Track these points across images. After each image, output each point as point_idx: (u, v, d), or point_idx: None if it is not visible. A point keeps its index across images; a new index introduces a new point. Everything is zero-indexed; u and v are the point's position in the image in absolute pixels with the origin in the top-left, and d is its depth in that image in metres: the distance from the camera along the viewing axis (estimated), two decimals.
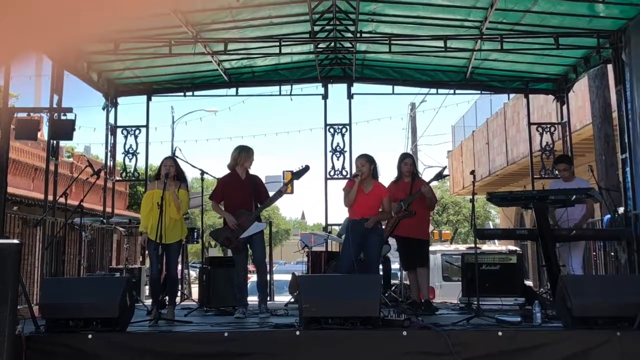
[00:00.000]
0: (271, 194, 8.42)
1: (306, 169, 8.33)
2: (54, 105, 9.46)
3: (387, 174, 22.93)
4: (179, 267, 13.57)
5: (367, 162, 8.04)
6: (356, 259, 7.83)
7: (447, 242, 29.08)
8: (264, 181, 8.72)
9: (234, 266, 8.32)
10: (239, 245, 8.05)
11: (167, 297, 8.12)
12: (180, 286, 10.64)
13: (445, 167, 9.49)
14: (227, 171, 8.36)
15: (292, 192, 8.48)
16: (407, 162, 8.88)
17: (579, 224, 8.32)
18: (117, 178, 12.76)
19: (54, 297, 6.30)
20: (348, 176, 11.32)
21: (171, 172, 7.82)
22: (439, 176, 9.12)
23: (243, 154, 8.27)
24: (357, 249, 7.91)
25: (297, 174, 8.32)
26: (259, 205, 8.22)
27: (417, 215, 8.59)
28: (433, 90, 13.11)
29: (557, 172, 9.15)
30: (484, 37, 9.74)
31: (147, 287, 10.54)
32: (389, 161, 14.69)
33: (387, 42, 10.29)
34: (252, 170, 8.41)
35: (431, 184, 8.86)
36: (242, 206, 8.11)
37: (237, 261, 8.17)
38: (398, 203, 8.51)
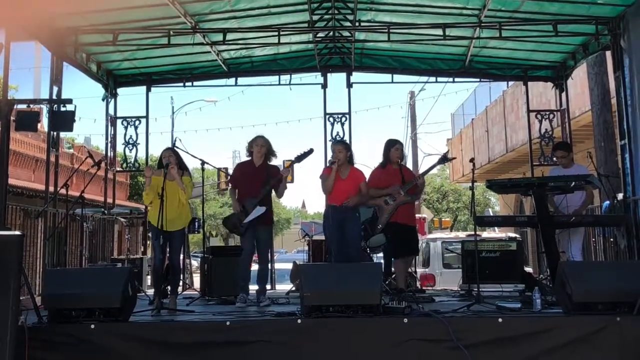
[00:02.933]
0: None
1: (310, 152, 8.36)
2: (54, 97, 9.48)
3: None
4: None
5: (344, 149, 8.31)
6: (339, 244, 8.03)
7: (447, 230, 29.12)
8: None
9: (237, 255, 8.40)
10: (243, 230, 8.12)
11: (169, 287, 8.17)
12: (182, 276, 10.68)
13: (448, 151, 9.49)
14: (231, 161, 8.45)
15: (292, 181, 8.50)
16: (398, 147, 8.80)
17: (578, 210, 8.34)
18: (118, 169, 12.80)
19: (56, 288, 6.32)
20: None
21: (172, 162, 7.86)
22: (444, 159, 9.11)
23: (250, 143, 8.37)
24: (339, 234, 8.09)
25: (299, 158, 8.31)
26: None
27: (410, 204, 8.69)
28: (432, 79, 13.14)
29: (555, 159, 9.17)
30: (482, 25, 9.74)
31: (149, 276, 10.59)
32: None
33: (386, 30, 10.27)
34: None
35: (434, 169, 8.86)
36: (251, 194, 8.17)
37: (243, 243, 8.27)
38: (395, 188, 8.49)
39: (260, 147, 8.26)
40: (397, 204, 8.48)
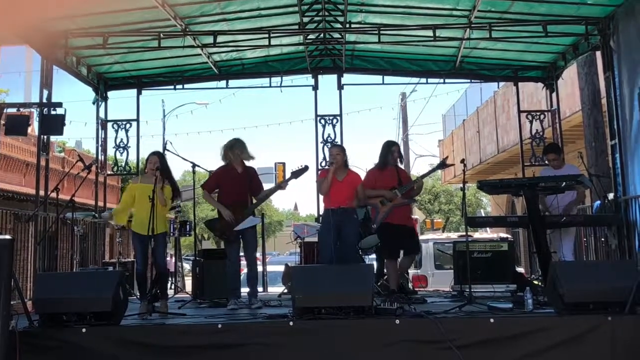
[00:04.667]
0: (265, 186, 8.57)
1: (305, 169, 8.38)
2: (44, 100, 9.45)
3: None
4: (172, 259, 13.58)
5: (342, 152, 8.38)
6: (335, 247, 7.98)
7: (439, 231, 29.17)
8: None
9: (227, 258, 8.38)
10: (231, 236, 8.09)
11: (159, 291, 8.13)
12: (173, 278, 10.64)
13: (447, 157, 9.50)
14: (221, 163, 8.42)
15: (284, 188, 8.51)
16: (396, 149, 8.76)
17: (569, 209, 8.35)
18: (109, 172, 12.75)
19: (48, 292, 6.29)
20: None
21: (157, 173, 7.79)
22: (442, 165, 9.18)
23: (233, 150, 8.29)
24: (337, 236, 8.07)
25: (296, 173, 8.30)
26: (254, 200, 8.29)
27: (407, 205, 8.71)
28: (423, 80, 13.12)
29: (547, 162, 9.18)
30: (472, 26, 9.75)
31: None
32: None
33: (377, 32, 10.29)
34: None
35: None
36: (238, 199, 8.16)
37: (230, 252, 8.22)
38: (391, 190, 8.48)
39: (242, 152, 8.27)
40: (393, 206, 8.46)
